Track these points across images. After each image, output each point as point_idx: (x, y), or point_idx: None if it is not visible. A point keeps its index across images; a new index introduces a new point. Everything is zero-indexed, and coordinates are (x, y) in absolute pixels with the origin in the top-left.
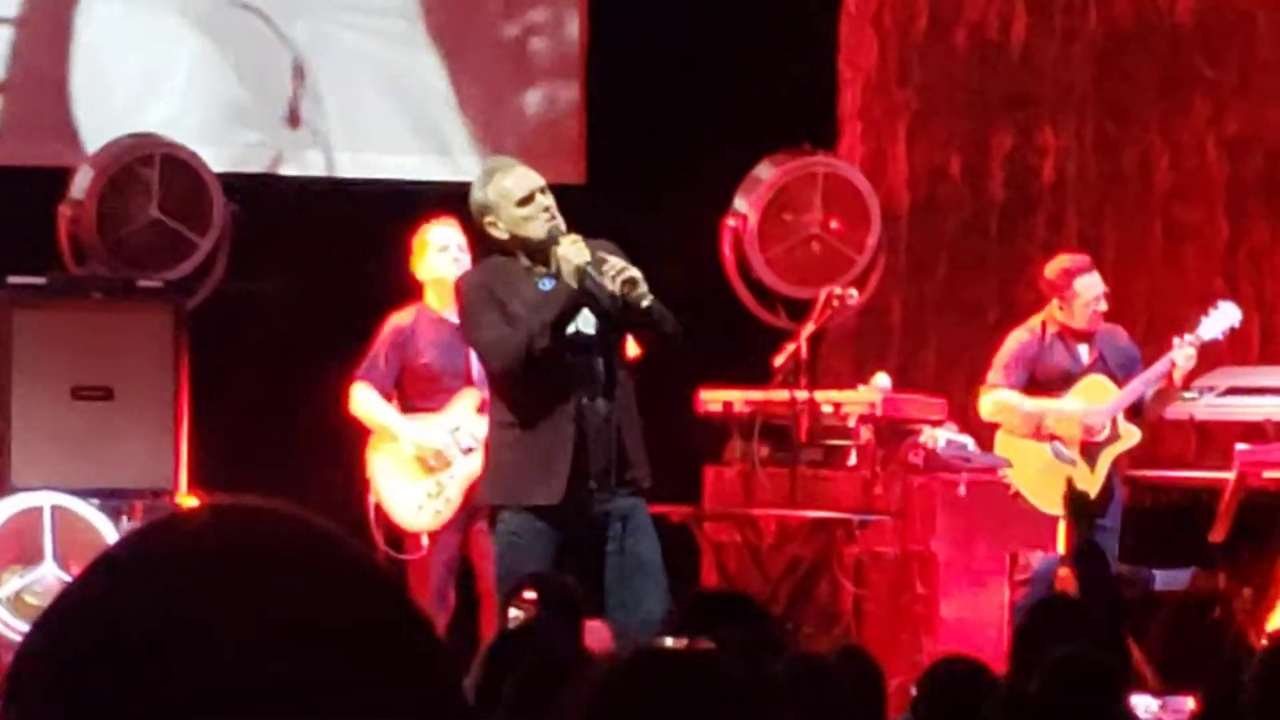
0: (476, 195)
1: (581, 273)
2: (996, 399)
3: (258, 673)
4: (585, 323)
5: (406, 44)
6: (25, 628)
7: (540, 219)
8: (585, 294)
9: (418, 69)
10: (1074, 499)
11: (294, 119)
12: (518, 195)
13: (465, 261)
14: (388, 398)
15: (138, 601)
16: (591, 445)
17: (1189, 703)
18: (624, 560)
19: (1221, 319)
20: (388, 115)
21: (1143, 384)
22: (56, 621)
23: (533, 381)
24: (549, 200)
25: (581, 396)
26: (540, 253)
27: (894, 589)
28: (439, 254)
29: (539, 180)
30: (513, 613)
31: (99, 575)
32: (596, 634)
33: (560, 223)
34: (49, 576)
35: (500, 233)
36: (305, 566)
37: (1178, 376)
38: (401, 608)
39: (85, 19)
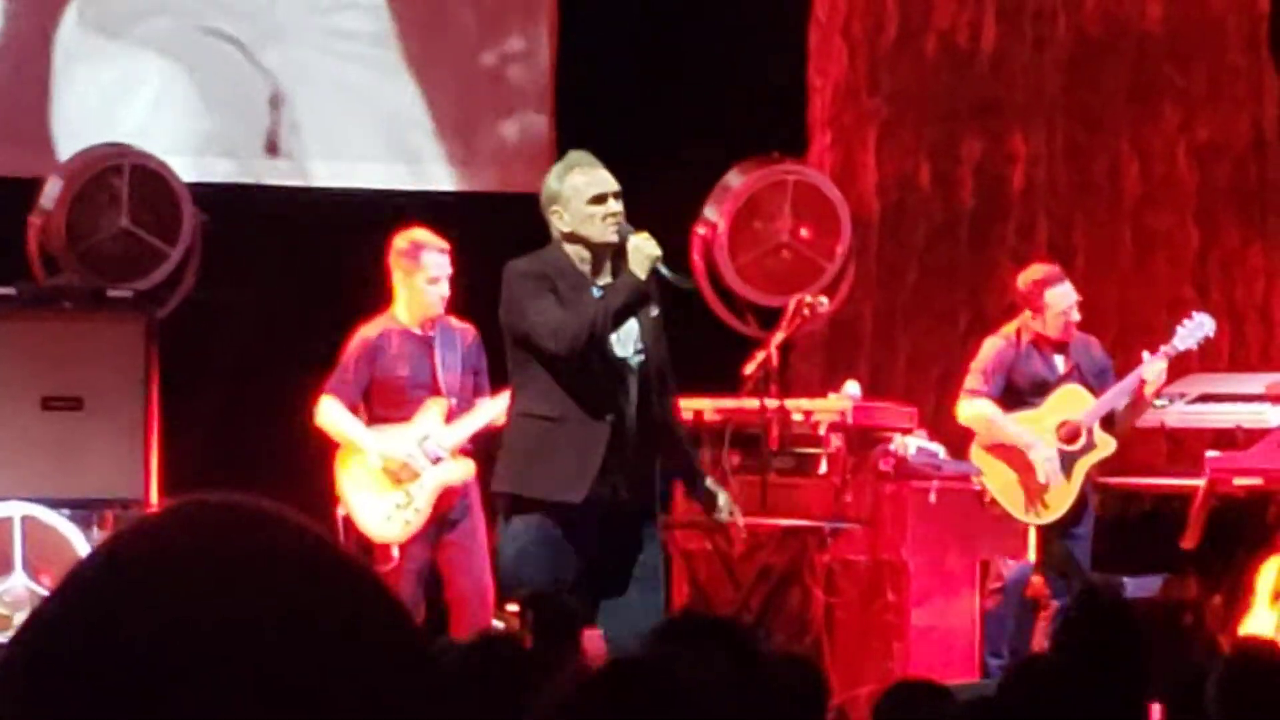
0: (550, 184)
1: (653, 265)
2: (977, 409)
3: (242, 672)
4: (622, 345)
5: (385, 71)
6: None
7: (607, 222)
8: (648, 290)
9: (395, 95)
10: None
11: (272, 147)
12: (590, 193)
13: (446, 290)
14: (355, 410)
15: (119, 605)
16: (620, 453)
17: (1154, 709)
18: (627, 569)
19: (1196, 330)
20: (365, 140)
21: (1114, 396)
22: (37, 630)
23: (575, 377)
24: (619, 207)
25: (618, 404)
26: (597, 255)
27: (865, 597)
28: (429, 285)
29: (614, 184)
30: (495, 623)
31: (79, 581)
32: (592, 643)
33: (628, 228)
34: (19, 586)
35: (564, 224)
36: (284, 561)
37: (1149, 390)
38: (381, 599)
39: (64, 43)
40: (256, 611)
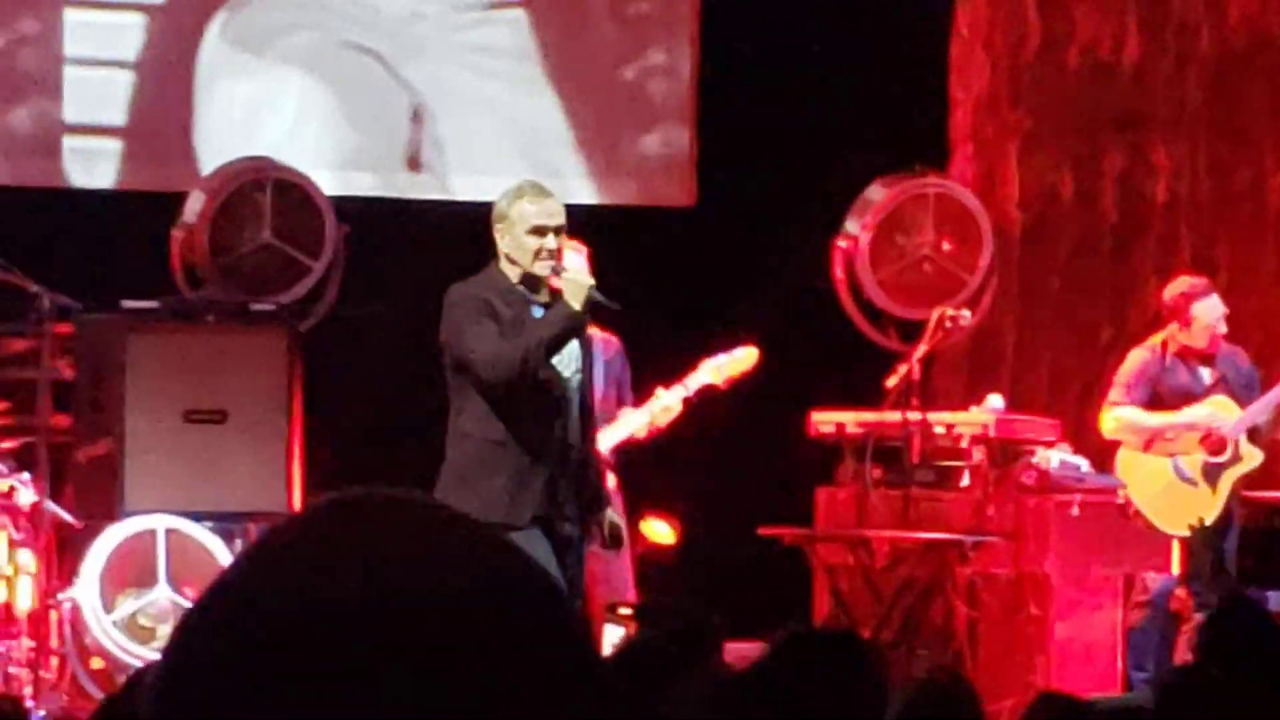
0: (500, 204)
1: (588, 295)
2: (1119, 415)
3: (404, 652)
4: (564, 365)
5: (526, 86)
6: (139, 650)
7: (540, 256)
8: (582, 319)
9: (536, 111)
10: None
11: (413, 163)
12: (532, 223)
13: None
14: None
15: (288, 590)
16: (563, 475)
17: None
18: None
19: None
20: (506, 156)
21: (1260, 409)
22: (205, 614)
23: (513, 400)
24: (555, 244)
25: (557, 425)
26: (533, 279)
27: (1007, 610)
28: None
29: (558, 219)
30: (611, 630)
31: (241, 573)
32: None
33: (559, 265)
34: (163, 599)
35: (504, 246)
36: (442, 547)
37: None
38: (539, 583)
39: (207, 60)
40: (403, 591)
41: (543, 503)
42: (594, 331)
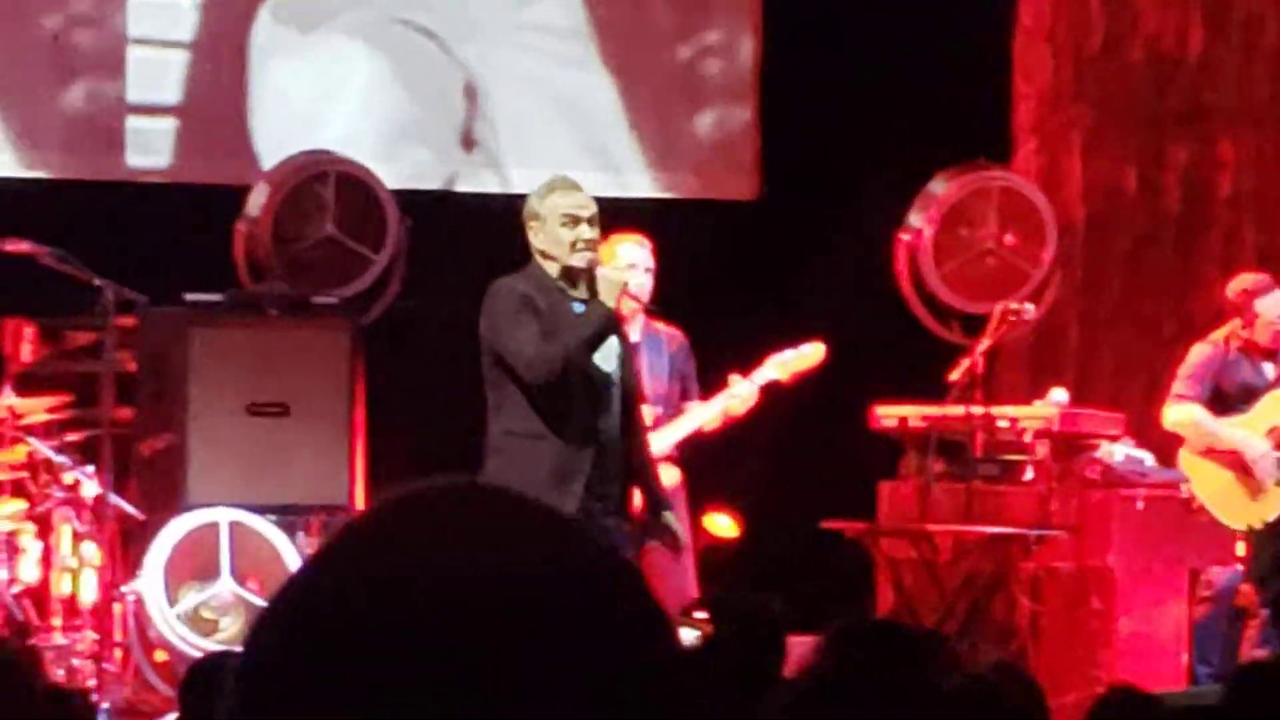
0: (531, 202)
1: (622, 293)
2: (1185, 413)
3: (488, 643)
4: (604, 359)
5: (580, 66)
6: (202, 643)
7: (576, 246)
8: (617, 317)
9: (590, 90)
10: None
11: (467, 141)
12: (564, 215)
13: (648, 283)
14: None
15: (367, 585)
16: (603, 467)
17: None
18: None
19: None
20: (560, 136)
21: None
22: (284, 611)
23: (554, 395)
24: (591, 233)
25: (599, 419)
26: (571, 273)
27: (1070, 605)
28: (626, 271)
29: (589, 209)
30: (686, 632)
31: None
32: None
33: (596, 256)
34: (225, 592)
35: (539, 243)
36: (518, 535)
37: None
38: (619, 571)
39: (260, 40)
40: (490, 577)
41: (584, 496)
42: (658, 325)
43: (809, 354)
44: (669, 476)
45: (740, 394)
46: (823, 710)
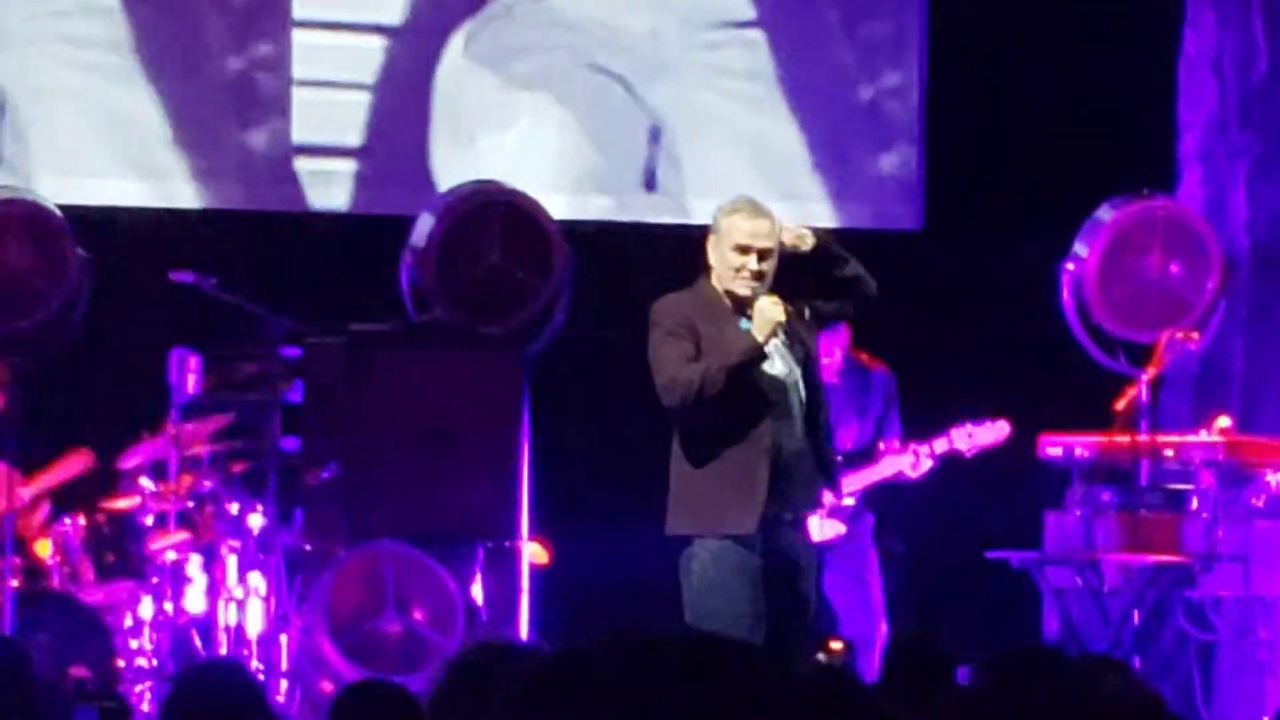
0: (717, 215)
1: (774, 330)
2: None
3: None
4: (776, 366)
5: (758, 106)
6: (364, 672)
7: (741, 273)
8: (762, 352)
9: (769, 129)
10: None
11: (650, 182)
12: (738, 240)
13: None
14: None
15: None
16: (785, 476)
17: None
18: (789, 587)
19: None
20: (741, 176)
21: None
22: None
23: (726, 406)
24: (759, 266)
25: (776, 429)
26: (733, 297)
27: (1237, 634)
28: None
29: (767, 240)
30: (821, 659)
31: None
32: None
33: (760, 286)
34: (390, 623)
35: (713, 259)
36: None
37: None
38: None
39: (445, 82)
40: None
41: (766, 505)
42: (863, 357)
43: (993, 430)
44: (830, 530)
45: (922, 468)
46: None
